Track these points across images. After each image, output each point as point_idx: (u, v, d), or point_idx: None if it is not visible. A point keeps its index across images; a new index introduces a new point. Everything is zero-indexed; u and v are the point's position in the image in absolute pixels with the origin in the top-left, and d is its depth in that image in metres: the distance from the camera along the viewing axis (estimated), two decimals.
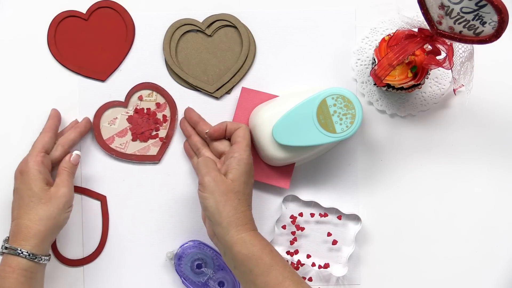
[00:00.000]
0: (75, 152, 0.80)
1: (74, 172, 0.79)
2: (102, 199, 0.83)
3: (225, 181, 0.72)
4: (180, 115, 0.84)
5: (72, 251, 0.84)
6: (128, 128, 0.84)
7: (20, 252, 0.71)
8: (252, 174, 0.76)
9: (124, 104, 0.84)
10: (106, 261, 0.84)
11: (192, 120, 0.82)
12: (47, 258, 0.74)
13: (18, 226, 0.73)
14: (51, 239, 0.75)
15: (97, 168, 0.84)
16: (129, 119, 0.84)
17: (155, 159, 0.84)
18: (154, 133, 0.84)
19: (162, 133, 0.84)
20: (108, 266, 0.84)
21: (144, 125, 0.84)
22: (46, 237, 0.74)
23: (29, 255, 0.72)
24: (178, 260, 0.81)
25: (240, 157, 0.74)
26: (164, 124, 0.84)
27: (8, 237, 0.74)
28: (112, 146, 0.84)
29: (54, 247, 0.83)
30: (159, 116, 0.84)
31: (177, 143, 0.84)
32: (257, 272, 0.69)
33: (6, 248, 0.73)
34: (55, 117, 0.82)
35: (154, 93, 0.84)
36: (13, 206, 0.76)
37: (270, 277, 0.69)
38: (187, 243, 0.82)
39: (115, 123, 0.84)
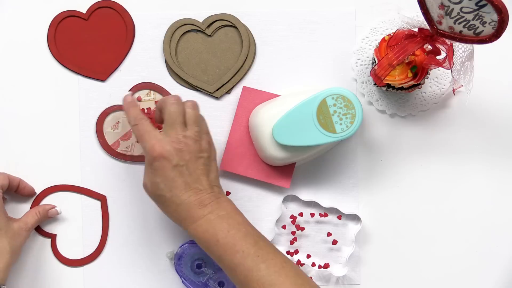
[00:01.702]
0: (57, 209, 0.82)
1: (41, 222, 0.82)
2: (102, 198, 0.83)
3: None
4: None
5: (72, 251, 0.84)
6: (131, 130, 0.84)
7: None
8: (170, 156, 0.70)
9: None
10: (106, 261, 0.84)
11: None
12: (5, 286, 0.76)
13: None
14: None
15: (97, 168, 0.84)
16: None
17: None
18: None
19: None
20: (108, 266, 0.84)
21: None
22: (9, 268, 0.76)
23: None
24: (178, 260, 0.81)
25: (145, 160, 0.72)
26: None
27: None
28: (119, 150, 0.84)
29: (54, 246, 0.83)
30: None
31: None
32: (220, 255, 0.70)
33: None
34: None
35: (152, 92, 0.84)
36: None
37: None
38: (187, 243, 0.82)
39: (118, 128, 0.84)
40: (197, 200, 0.70)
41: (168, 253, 0.83)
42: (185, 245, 0.81)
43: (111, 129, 0.84)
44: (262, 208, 0.84)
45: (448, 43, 0.72)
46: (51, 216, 0.82)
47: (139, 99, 0.84)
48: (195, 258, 0.81)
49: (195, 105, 0.74)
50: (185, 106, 0.73)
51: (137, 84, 0.84)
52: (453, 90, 0.78)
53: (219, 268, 0.81)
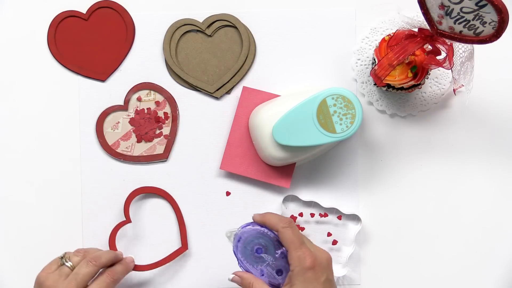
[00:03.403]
0: (131, 257, 0.80)
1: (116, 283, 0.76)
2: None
3: None
4: (181, 110, 0.84)
5: None
6: (131, 130, 0.84)
7: None
8: (322, 269, 0.68)
9: (124, 107, 0.84)
10: None
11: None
12: None
13: None
14: None
15: (97, 168, 0.84)
16: (131, 121, 0.84)
17: (163, 157, 0.84)
18: (158, 131, 0.84)
19: (166, 130, 0.84)
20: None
21: (146, 125, 0.84)
22: None
23: None
24: (238, 241, 0.74)
25: (295, 270, 0.68)
26: (166, 121, 0.84)
27: None
28: (119, 150, 0.84)
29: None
30: (160, 114, 0.84)
31: (182, 138, 0.84)
32: None
33: None
34: None
35: (152, 92, 0.84)
36: None
37: None
38: (248, 225, 0.75)
39: (118, 128, 0.84)
40: None
41: (227, 232, 0.77)
42: (245, 227, 0.75)
43: (111, 129, 0.84)
44: (262, 208, 0.84)
45: (448, 43, 0.72)
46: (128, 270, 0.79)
47: (139, 99, 0.84)
48: (256, 242, 0.74)
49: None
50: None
51: (137, 84, 0.84)
52: (454, 90, 0.78)
53: (281, 256, 0.74)
